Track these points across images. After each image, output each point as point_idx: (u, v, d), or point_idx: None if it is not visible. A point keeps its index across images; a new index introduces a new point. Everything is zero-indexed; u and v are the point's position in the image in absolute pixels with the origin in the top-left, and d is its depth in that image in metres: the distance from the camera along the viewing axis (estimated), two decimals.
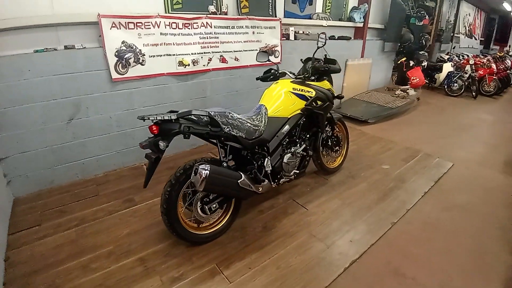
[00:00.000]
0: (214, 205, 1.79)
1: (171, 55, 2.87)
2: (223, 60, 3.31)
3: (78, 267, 1.77)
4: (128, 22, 2.56)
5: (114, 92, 2.68)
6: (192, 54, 3.01)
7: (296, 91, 2.14)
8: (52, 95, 2.39)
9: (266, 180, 1.95)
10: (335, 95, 2.46)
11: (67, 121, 2.51)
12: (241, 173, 1.78)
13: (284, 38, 3.88)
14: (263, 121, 1.99)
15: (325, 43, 2.25)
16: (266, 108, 2.07)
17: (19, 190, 2.43)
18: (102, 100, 2.63)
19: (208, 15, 3.03)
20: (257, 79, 2.50)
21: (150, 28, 2.68)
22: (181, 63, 2.96)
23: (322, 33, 2.28)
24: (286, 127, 2.11)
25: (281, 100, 2.12)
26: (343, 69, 4.81)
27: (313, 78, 2.34)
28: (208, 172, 1.59)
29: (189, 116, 1.65)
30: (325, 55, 2.48)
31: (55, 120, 2.45)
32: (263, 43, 3.62)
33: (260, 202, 2.37)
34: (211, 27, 3.08)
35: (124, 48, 2.59)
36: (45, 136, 2.44)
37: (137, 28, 2.62)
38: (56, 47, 2.37)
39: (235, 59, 3.40)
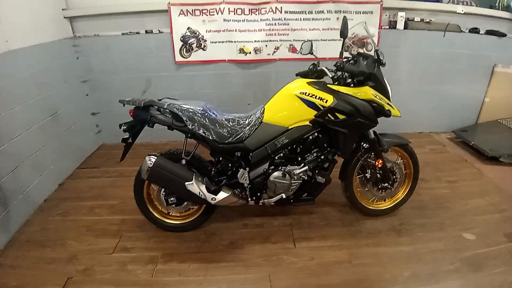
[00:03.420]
0: (171, 199, 1.74)
1: (232, 41, 2.86)
2: (293, 50, 2.97)
3: (88, 207, 2.23)
4: (195, 9, 2.72)
5: (178, 74, 3.00)
6: (255, 41, 2.87)
7: (303, 96, 1.65)
8: (130, 70, 2.96)
9: (227, 193, 1.67)
10: (385, 110, 1.72)
11: (142, 93, 3.06)
12: (195, 176, 1.62)
13: (388, 27, 3.01)
14: (251, 125, 1.68)
15: (345, 33, 1.58)
16: (263, 111, 1.73)
17: (106, 138, 3.24)
18: (168, 80, 3.01)
19: None
20: (296, 75, 2.11)
21: (214, 14, 2.75)
22: (241, 51, 2.90)
23: (344, 17, 1.61)
24: (283, 139, 1.69)
25: (282, 105, 1.71)
26: (487, 78, 3.23)
27: (349, 81, 1.71)
28: (152, 164, 1.56)
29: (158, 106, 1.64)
30: (376, 51, 1.73)
31: (133, 90, 3.02)
32: (350, 32, 2.93)
33: (254, 215, 2.10)
34: (281, 12, 2.79)
35: (188, 33, 2.80)
36: None
37: (202, 15, 2.75)
38: (139, 31, 2.87)
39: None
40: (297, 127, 1.68)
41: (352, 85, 1.69)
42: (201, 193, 1.60)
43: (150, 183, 1.83)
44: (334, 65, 1.60)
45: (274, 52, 2.96)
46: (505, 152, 2.76)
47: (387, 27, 3.01)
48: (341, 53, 1.70)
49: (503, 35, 3.02)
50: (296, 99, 1.66)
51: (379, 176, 1.92)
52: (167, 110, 1.62)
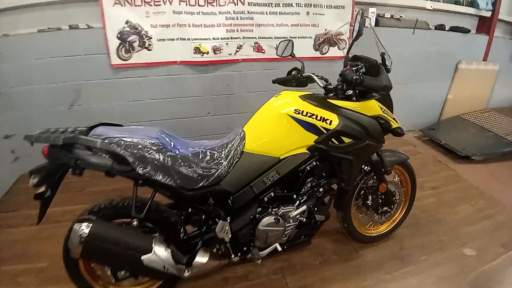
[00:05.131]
0: (122, 273, 1.21)
1: (185, 39, 2.32)
2: (258, 48, 2.55)
3: (10, 275, 1.60)
4: None
5: (116, 80, 2.36)
6: (213, 39, 2.37)
7: (299, 116, 1.25)
8: (53, 78, 2.26)
9: (204, 259, 1.21)
10: (392, 127, 1.41)
11: (68, 107, 2.35)
12: (156, 242, 1.11)
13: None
14: (229, 158, 1.23)
15: (361, 33, 1.24)
16: (244, 136, 1.28)
17: (26, 167, 2.42)
18: (103, 88, 2.36)
19: None
20: (273, 82, 1.70)
21: (160, 5, 2.18)
22: (197, 50, 2.38)
23: (362, 12, 1.26)
24: (273, 174, 1.27)
25: (270, 128, 1.29)
26: (450, 75, 3.27)
27: (350, 92, 1.36)
28: (86, 235, 1.01)
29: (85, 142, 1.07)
30: (383, 54, 1.43)
31: (57, 104, 2.33)
32: (322, 29, 2.64)
33: (234, 263, 1.64)
34: (244, 4, 2.35)
35: (127, 29, 2.19)
36: (48, 120, 2.33)
37: (144, 5, 2.16)
38: (61, 27, 2.17)
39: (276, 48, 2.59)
40: (292, 156, 1.27)
41: (356, 98, 1.33)
42: (166, 267, 1.10)
43: None
44: (340, 75, 1.23)
45: (237, 51, 2.50)
46: (475, 151, 2.79)
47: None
48: (347, 60, 1.33)
49: (467, 31, 3.04)
50: (289, 120, 1.25)
51: (381, 201, 1.64)
52: (102, 149, 1.07)
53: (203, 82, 2.56)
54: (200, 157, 1.19)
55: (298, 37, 2.60)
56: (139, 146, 1.08)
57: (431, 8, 2.82)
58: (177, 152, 1.15)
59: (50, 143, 1.06)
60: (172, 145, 1.16)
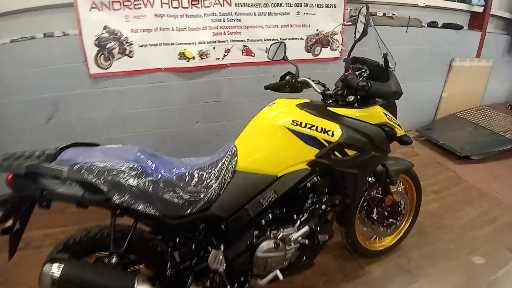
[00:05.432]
0: None
1: (169, 44, 2.17)
2: (247, 52, 2.42)
3: None
4: (113, 1, 1.96)
5: (96, 91, 2.18)
6: (199, 43, 2.23)
7: (298, 128, 1.12)
8: (29, 90, 2.07)
9: None
10: (397, 135, 1.30)
11: (46, 121, 2.17)
12: (139, 282, 0.96)
13: (351, 23, 2.67)
14: (219, 179, 1.09)
15: (367, 31, 1.13)
16: (235, 152, 1.14)
17: (2, 188, 2.24)
18: (82, 99, 2.18)
19: None
20: (266, 88, 1.58)
21: (141, 7, 2.02)
22: (182, 56, 2.22)
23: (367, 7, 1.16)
24: (270, 194, 1.14)
25: (264, 141, 1.15)
26: (445, 73, 3.21)
27: (352, 98, 1.22)
28: (57, 277, 0.86)
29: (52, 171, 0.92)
30: (385, 55, 1.31)
31: (35, 118, 2.14)
32: (313, 29, 2.53)
33: None
34: (230, 5, 2.21)
35: (106, 35, 2.02)
36: (26, 136, 2.15)
37: (124, 8, 2.00)
38: (35, 35, 2.00)
39: (266, 51, 2.47)
40: (290, 173, 1.14)
41: (358, 105, 1.21)
42: None
43: None
44: (342, 81, 1.10)
45: (225, 55, 2.36)
46: (474, 150, 2.74)
47: (350, 23, 2.67)
48: (348, 63, 1.21)
49: (460, 27, 2.99)
50: (285, 133, 1.12)
51: (386, 213, 1.52)
52: (71, 178, 0.91)
53: (190, 89, 2.40)
54: (186, 179, 1.04)
55: (289, 39, 2.48)
56: (114, 171, 0.93)
57: (423, 5, 2.75)
58: (159, 176, 1.00)
59: (11, 171, 0.90)
60: (153, 168, 1.01)
